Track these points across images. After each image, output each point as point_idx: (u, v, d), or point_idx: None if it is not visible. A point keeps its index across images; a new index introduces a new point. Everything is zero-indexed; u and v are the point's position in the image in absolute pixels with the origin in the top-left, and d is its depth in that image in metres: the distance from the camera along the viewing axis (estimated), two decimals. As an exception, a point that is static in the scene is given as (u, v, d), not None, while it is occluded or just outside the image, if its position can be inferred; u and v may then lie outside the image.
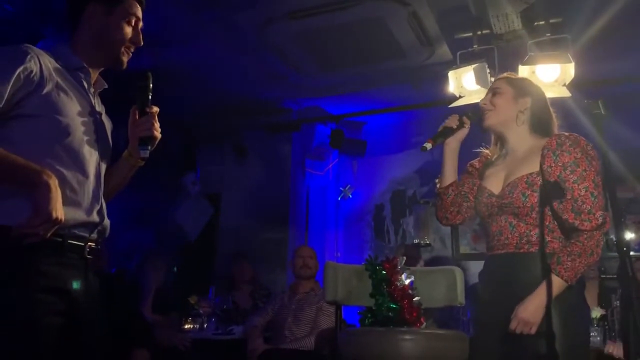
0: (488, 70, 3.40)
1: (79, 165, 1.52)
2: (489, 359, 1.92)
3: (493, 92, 2.01)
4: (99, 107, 1.68)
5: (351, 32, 3.55)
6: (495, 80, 2.10)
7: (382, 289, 2.65)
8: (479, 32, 3.51)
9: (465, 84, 3.52)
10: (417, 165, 5.25)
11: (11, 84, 1.41)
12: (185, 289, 4.24)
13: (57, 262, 1.45)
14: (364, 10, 3.20)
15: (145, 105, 1.63)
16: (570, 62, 3.29)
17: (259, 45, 3.82)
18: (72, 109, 1.53)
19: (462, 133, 2.03)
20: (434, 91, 4.00)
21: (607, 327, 3.16)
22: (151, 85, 1.64)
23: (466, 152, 2.14)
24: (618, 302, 3.16)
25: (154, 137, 1.62)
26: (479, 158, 2.13)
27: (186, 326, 3.70)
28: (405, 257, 2.72)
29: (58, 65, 1.54)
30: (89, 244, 1.53)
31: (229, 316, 3.83)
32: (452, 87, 3.58)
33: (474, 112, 2.02)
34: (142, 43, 1.66)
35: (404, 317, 2.60)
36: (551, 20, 3.39)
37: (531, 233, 1.86)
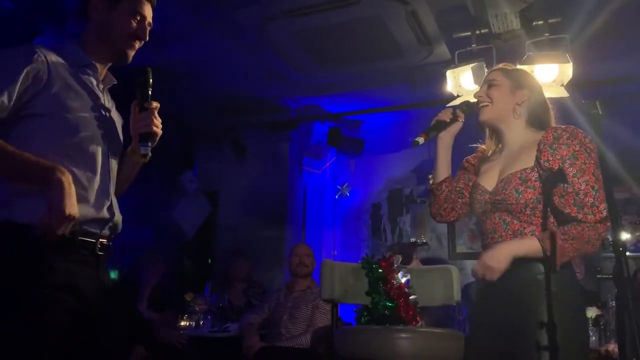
0: (486, 70, 3.40)
1: (88, 162, 1.53)
2: (484, 358, 1.90)
3: (489, 84, 1.94)
4: (109, 103, 1.67)
5: (350, 31, 3.55)
6: (490, 72, 2.01)
7: (378, 287, 2.65)
8: (478, 32, 3.51)
9: (463, 83, 3.52)
10: (415, 164, 5.25)
11: (19, 84, 1.43)
12: (182, 287, 4.24)
13: (68, 259, 1.46)
14: (363, 9, 3.20)
15: (144, 101, 1.61)
16: (569, 62, 3.30)
17: (258, 43, 3.82)
18: (80, 107, 1.53)
19: (456, 127, 1.96)
20: (432, 90, 4.00)
21: (602, 327, 3.17)
22: (151, 81, 1.63)
23: (461, 147, 2.09)
24: (614, 302, 3.17)
25: (154, 134, 1.61)
26: (475, 154, 2.09)
27: (182, 323, 3.70)
28: (401, 256, 2.72)
29: (66, 63, 1.54)
30: (101, 240, 1.54)
31: (225, 314, 3.83)
32: (450, 87, 3.58)
33: (468, 105, 1.96)
34: (146, 38, 1.65)
35: (400, 316, 2.60)
36: (550, 20, 3.40)
37: (525, 230, 1.82)
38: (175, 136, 5.15)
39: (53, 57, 1.52)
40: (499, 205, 1.86)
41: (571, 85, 3.42)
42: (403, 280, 2.68)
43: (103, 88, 1.66)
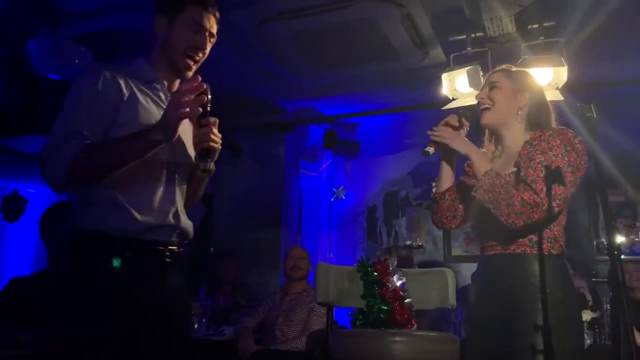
0: (481, 73, 3.40)
1: (152, 171, 1.59)
2: None
3: (490, 86, 1.93)
4: None
5: (345, 33, 3.54)
6: (492, 73, 1.99)
7: (373, 290, 2.64)
8: (473, 35, 3.51)
9: (458, 86, 3.53)
10: (410, 167, 5.25)
11: (98, 115, 1.53)
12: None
13: (136, 265, 1.50)
14: (358, 11, 3.20)
15: (203, 117, 1.61)
16: (564, 65, 3.31)
17: (254, 44, 3.81)
18: (146, 119, 1.58)
19: (462, 134, 1.92)
20: (427, 93, 4.00)
21: (597, 330, 3.17)
22: (209, 96, 1.62)
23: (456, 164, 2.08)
24: (608, 305, 3.17)
25: (213, 149, 1.61)
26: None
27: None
28: (397, 259, 2.72)
29: (134, 78, 1.62)
30: (170, 247, 1.58)
31: (219, 317, 3.81)
32: (445, 90, 3.58)
33: (470, 110, 1.95)
34: (205, 48, 1.68)
35: (395, 319, 2.60)
36: (544, 24, 3.40)
37: (517, 234, 1.81)
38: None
39: (120, 74, 1.59)
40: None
41: (566, 89, 3.43)
42: (398, 283, 2.68)
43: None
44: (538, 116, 1.90)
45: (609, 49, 3.67)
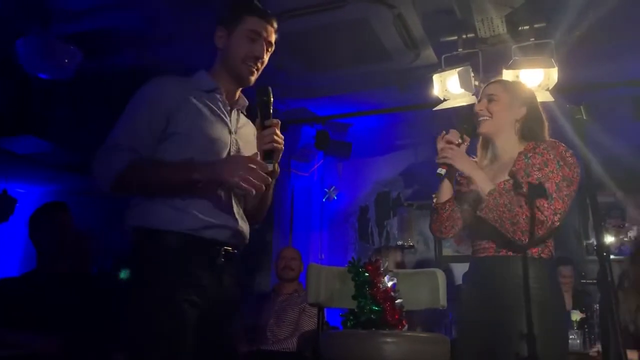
0: (472, 74, 3.42)
1: None
2: None
3: (489, 98, 1.99)
4: (237, 123, 1.78)
5: (337, 34, 3.54)
6: (490, 85, 2.06)
7: (364, 291, 2.64)
8: (464, 36, 3.53)
9: (449, 87, 3.54)
10: (402, 168, 5.27)
11: (152, 121, 1.60)
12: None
13: (195, 264, 1.57)
14: (350, 12, 3.19)
15: (266, 118, 1.68)
16: (554, 67, 3.33)
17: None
18: (202, 127, 1.65)
19: (463, 149, 2.00)
20: (419, 94, 4.01)
21: (586, 330, 3.19)
22: (272, 99, 1.71)
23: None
24: (597, 305, 3.20)
25: (277, 150, 1.68)
26: None
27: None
28: (387, 261, 2.72)
29: (194, 89, 1.69)
30: (225, 248, 1.65)
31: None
32: (436, 91, 3.59)
33: (469, 122, 2.01)
34: (263, 56, 1.74)
35: (386, 320, 2.59)
36: (535, 25, 3.42)
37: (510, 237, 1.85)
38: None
39: (177, 86, 1.67)
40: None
41: (556, 90, 3.45)
42: (389, 284, 2.68)
43: (231, 110, 1.76)
44: (533, 128, 1.97)
45: (598, 50, 3.69)
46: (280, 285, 3.78)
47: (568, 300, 3.50)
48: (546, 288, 1.84)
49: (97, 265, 4.11)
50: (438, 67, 3.61)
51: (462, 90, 3.48)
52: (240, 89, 1.80)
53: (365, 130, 5.39)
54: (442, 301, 2.63)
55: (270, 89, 1.71)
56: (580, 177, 1.82)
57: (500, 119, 1.97)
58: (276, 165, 1.73)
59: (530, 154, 1.85)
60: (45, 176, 5.61)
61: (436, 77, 3.56)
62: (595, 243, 1.57)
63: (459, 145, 1.96)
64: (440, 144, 1.97)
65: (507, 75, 3.38)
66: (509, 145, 1.98)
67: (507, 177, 1.85)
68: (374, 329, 2.55)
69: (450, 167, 1.96)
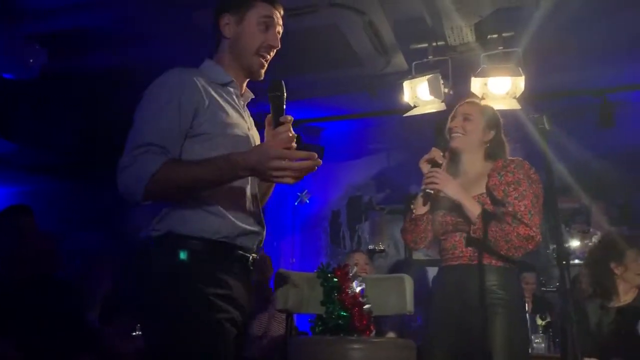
0: (442, 82, 3.46)
1: (243, 180, 1.54)
2: None
3: (465, 117, 2.15)
4: (248, 119, 1.68)
5: (309, 39, 3.54)
6: (465, 105, 2.22)
7: (332, 296, 2.64)
8: (434, 44, 3.57)
9: (419, 94, 3.58)
10: (374, 172, 5.29)
11: (181, 115, 1.46)
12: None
13: (226, 271, 1.49)
14: (321, 18, 3.20)
15: (280, 114, 1.57)
16: (521, 75, 3.39)
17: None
18: (229, 124, 1.54)
19: (444, 165, 2.15)
20: (390, 99, 4.04)
21: (551, 334, 3.25)
22: (285, 93, 1.59)
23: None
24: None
25: (292, 147, 1.55)
26: None
27: (134, 333, 3.60)
28: (356, 266, 2.73)
29: (210, 82, 1.55)
30: (253, 255, 1.57)
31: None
32: (406, 97, 3.63)
33: (444, 140, 2.17)
34: (278, 45, 1.62)
35: (354, 325, 2.60)
36: (503, 34, 3.49)
37: (484, 248, 2.00)
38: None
39: (199, 78, 1.52)
40: (460, 226, 2.06)
41: (524, 98, 3.51)
42: (358, 289, 2.68)
43: (243, 104, 1.66)
44: (496, 151, 2.16)
45: (565, 59, 3.78)
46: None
47: (529, 305, 3.58)
48: (514, 295, 2.00)
49: (63, 268, 4.02)
50: (408, 74, 3.65)
51: (432, 97, 3.52)
52: (247, 81, 1.67)
53: (338, 135, 5.40)
54: (409, 307, 2.64)
55: (283, 82, 1.59)
56: (542, 188, 1.99)
57: (472, 137, 2.14)
58: None
59: (503, 172, 2.02)
60: (10, 177, 5.48)
61: (406, 84, 3.59)
62: (555, 253, 1.62)
63: (441, 163, 2.10)
64: (425, 168, 2.10)
65: (476, 83, 3.43)
66: (474, 163, 2.16)
67: (480, 192, 2.03)
68: (341, 335, 2.56)
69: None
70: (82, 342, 3.19)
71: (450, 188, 2.01)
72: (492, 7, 3.22)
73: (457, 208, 2.04)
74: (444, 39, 3.49)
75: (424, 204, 2.16)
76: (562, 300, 1.53)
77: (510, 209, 1.96)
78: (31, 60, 3.32)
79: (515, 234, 1.91)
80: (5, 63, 3.43)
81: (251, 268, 1.57)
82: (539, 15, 3.22)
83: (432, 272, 4.58)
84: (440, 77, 3.46)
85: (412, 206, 2.22)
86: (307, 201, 5.46)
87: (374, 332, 2.65)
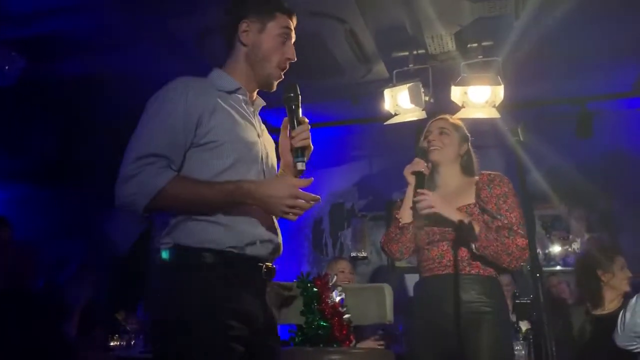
0: (422, 90, 3.47)
1: None
2: None
3: (440, 131, 2.25)
4: (259, 126, 1.67)
5: (289, 47, 3.54)
6: (439, 120, 2.31)
7: (312, 306, 2.63)
8: (415, 52, 3.59)
9: (400, 102, 3.59)
10: (356, 179, 5.29)
11: (182, 126, 1.45)
12: (114, 304, 4.07)
13: (237, 283, 1.46)
14: (301, 27, 3.17)
15: (297, 115, 1.59)
16: (500, 84, 3.41)
17: (196, 54, 3.75)
18: (235, 131, 1.53)
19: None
20: (372, 107, 4.05)
21: (532, 340, 3.27)
22: (299, 95, 1.62)
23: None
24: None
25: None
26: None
27: (112, 343, 3.55)
28: (342, 274, 2.72)
29: (216, 90, 1.55)
30: (267, 263, 1.55)
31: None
32: (387, 105, 3.64)
33: (423, 152, 2.24)
34: (295, 58, 1.64)
35: (334, 335, 2.59)
36: (483, 43, 3.51)
37: (471, 257, 2.08)
38: (111, 147, 4.98)
39: (200, 88, 1.52)
40: (448, 235, 2.10)
41: (503, 107, 3.54)
42: (337, 299, 2.67)
43: (253, 111, 1.65)
44: (469, 163, 2.28)
45: (543, 69, 3.82)
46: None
47: (511, 310, 3.60)
48: (500, 304, 2.07)
49: (41, 278, 3.96)
50: (389, 82, 3.66)
51: (413, 105, 3.53)
52: (258, 89, 1.68)
53: (320, 142, 5.32)
54: (389, 316, 2.64)
55: (297, 85, 1.62)
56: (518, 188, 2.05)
57: (449, 150, 2.23)
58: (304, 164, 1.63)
59: (491, 185, 2.12)
60: (-14, 185, 5.38)
61: (387, 92, 3.60)
62: (529, 266, 1.63)
63: (425, 172, 2.17)
64: (411, 178, 2.17)
65: (456, 91, 3.45)
66: (453, 176, 2.24)
67: (467, 202, 2.12)
68: (321, 345, 2.54)
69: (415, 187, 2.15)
70: (58, 355, 3.13)
71: (446, 209, 2.06)
72: (472, 16, 3.24)
73: (443, 220, 2.08)
74: (424, 47, 3.51)
75: (407, 210, 2.20)
76: (537, 312, 1.54)
77: (505, 221, 2.05)
78: (7, 67, 3.26)
79: (514, 245, 1.99)
80: (-20, 70, 3.37)
81: (265, 278, 1.54)
82: (518, 25, 3.25)
83: (413, 278, 4.59)
84: (420, 85, 3.48)
85: (397, 215, 2.23)
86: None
87: (354, 342, 2.64)
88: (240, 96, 1.61)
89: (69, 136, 4.59)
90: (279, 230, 1.62)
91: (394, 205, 2.40)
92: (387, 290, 2.66)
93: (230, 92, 1.58)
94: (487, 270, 2.08)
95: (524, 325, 3.28)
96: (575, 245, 4.64)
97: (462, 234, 2.04)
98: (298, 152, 1.58)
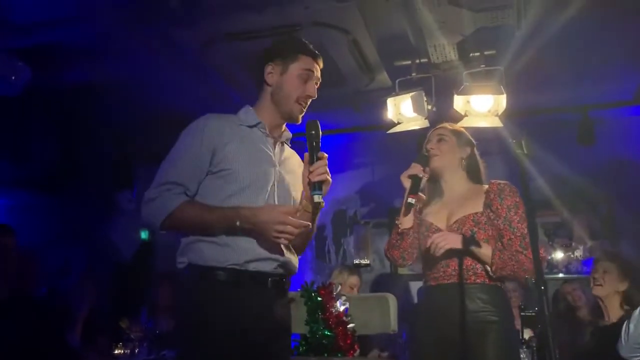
0: (425, 99, 3.49)
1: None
2: None
3: (439, 138, 2.25)
4: (281, 156, 1.86)
5: (293, 56, 3.55)
6: (438, 128, 2.32)
7: (316, 316, 2.64)
8: (417, 61, 3.60)
9: (403, 111, 3.60)
10: (358, 186, 5.30)
11: (199, 157, 1.69)
12: (118, 312, 4.08)
13: (246, 296, 1.65)
14: (305, 37, 3.19)
15: (317, 151, 1.77)
16: (503, 93, 3.43)
17: (199, 63, 3.77)
18: (246, 160, 1.73)
19: (424, 181, 2.22)
20: (374, 115, 4.06)
21: (535, 348, 3.27)
22: (320, 132, 1.81)
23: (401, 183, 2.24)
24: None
25: (327, 182, 1.74)
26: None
27: (116, 352, 3.55)
28: (340, 285, 2.73)
29: (238, 125, 1.78)
30: (271, 278, 1.71)
31: (161, 340, 3.69)
32: (390, 114, 3.65)
33: (423, 159, 2.23)
34: (315, 95, 1.83)
35: (338, 345, 2.60)
36: (485, 52, 3.52)
37: (476, 266, 2.06)
38: (113, 154, 5.00)
39: (223, 123, 1.76)
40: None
41: (506, 115, 3.55)
42: (341, 308, 2.68)
43: (274, 142, 1.85)
44: (475, 169, 2.26)
45: (546, 77, 3.83)
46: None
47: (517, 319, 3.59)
48: (505, 313, 2.06)
49: (44, 286, 3.96)
50: (392, 91, 3.67)
51: (415, 114, 3.55)
52: (285, 123, 1.87)
53: (323, 149, 5.39)
54: (393, 325, 2.65)
55: (318, 122, 1.81)
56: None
57: (449, 156, 2.22)
58: (321, 197, 1.77)
59: (502, 195, 2.11)
60: (-10, 192, 5.39)
61: (390, 101, 3.61)
62: (533, 279, 1.63)
63: (422, 177, 2.17)
64: (407, 182, 2.16)
65: (458, 100, 3.47)
66: (456, 182, 2.23)
67: (474, 211, 2.10)
68: (325, 355, 2.55)
69: (413, 190, 2.16)
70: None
71: (456, 242, 2.04)
72: (474, 26, 3.25)
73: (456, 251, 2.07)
74: (427, 56, 3.52)
75: (405, 214, 2.19)
76: (541, 325, 1.54)
77: (518, 233, 2.04)
78: (13, 77, 3.28)
79: (528, 260, 1.97)
80: (-14, 80, 3.38)
81: (272, 290, 1.72)
82: (520, 34, 3.27)
83: (417, 286, 4.59)
84: (423, 94, 3.49)
85: (397, 221, 2.23)
86: (292, 215, 5.44)
87: (358, 352, 2.65)
88: (261, 131, 1.80)
89: (72, 144, 4.61)
90: (288, 249, 1.76)
91: (397, 212, 2.41)
92: (391, 300, 2.67)
93: (251, 127, 1.79)
94: (492, 279, 2.07)
95: (527, 334, 3.29)
96: (578, 252, 4.64)
97: (474, 257, 2.05)
98: (315, 186, 1.72)
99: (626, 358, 2.40)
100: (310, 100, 1.84)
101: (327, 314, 2.65)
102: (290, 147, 1.95)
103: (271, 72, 1.80)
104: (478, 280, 2.05)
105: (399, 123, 3.66)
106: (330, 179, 1.76)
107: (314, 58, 1.84)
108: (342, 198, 5.36)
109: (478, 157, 2.29)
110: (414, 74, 3.59)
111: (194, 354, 1.64)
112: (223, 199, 1.69)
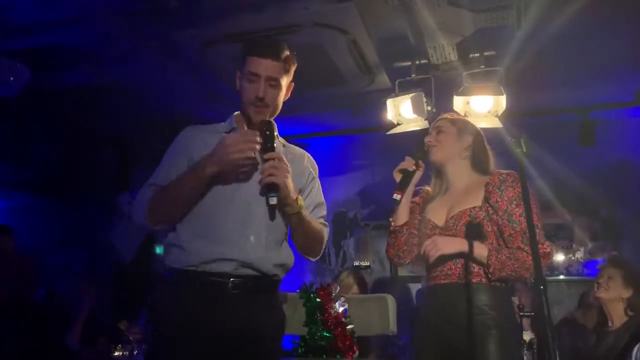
0: (425, 100, 3.48)
1: (219, 208, 1.73)
2: None
3: (437, 130, 2.16)
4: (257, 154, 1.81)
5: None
6: (438, 120, 2.23)
7: (315, 317, 2.62)
8: (417, 62, 3.59)
9: (403, 112, 3.60)
10: (358, 188, 5.29)
11: (175, 168, 1.76)
12: (117, 314, 4.07)
13: (202, 298, 1.67)
14: (304, 37, 3.20)
15: (267, 152, 1.73)
16: (502, 94, 3.42)
17: (199, 64, 3.77)
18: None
19: (418, 175, 2.12)
20: (374, 116, 4.05)
21: (535, 350, 3.26)
22: (275, 133, 1.80)
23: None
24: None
25: (275, 184, 1.67)
26: (419, 195, 2.24)
27: (115, 354, 3.53)
28: (339, 287, 2.72)
29: (215, 132, 1.83)
30: (233, 280, 1.69)
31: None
32: (390, 115, 3.64)
33: (421, 151, 2.14)
34: (262, 94, 1.78)
35: (337, 346, 2.58)
36: (485, 53, 3.52)
37: (472, 265, 1.96)
38: (113, 157, 5.00)
39: (202, 132, 1.86)
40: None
41: (506, 116, 3.55)
42: (340, 309, 2.67)
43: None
44: (481, 158, 2.13)
45: (546, 78, 3.82)
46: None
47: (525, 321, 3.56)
48: (506, 314, 1.98)
49: (43, 288, 3.96)
50: (392, 92, 3.66)
51: (415, 115, 3.54)
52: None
53: (322, 151, 5.39)
54: (392, 327, 2.62)
55: (273, 122, 1.81)
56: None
57: (447, 147, 2.11)
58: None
59: (503, 187, 1.97)
60: (-10, 194, 5.39)
61: (390, 102, 3.61)
62: (532, 279, 1.61)
63: (414, 172, 2.08)
64: (398, 177, 2.09)
65: (458, 101, 3.46)
66: (461, 174, 2.12)
67: (473, 205, 1.99)
68: (324, 356, 2.54)
69: (405, 186, 2.09)
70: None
71: (449, 246, 1.96)
72: (474, 26, 3.25)
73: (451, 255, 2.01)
74: (426, 57, 3.51)
75: (395, 211, 2.13)
76: (540, 327, 1.52)
77: (518, 228, 1.93)
78: (12, 79, 3.28)
79: (529, 258, 1.84)
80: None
81: (234, 292, 1.69)
82: (520, 35, 3.26)
83: (416, 288, 4.59)
84: (423, 95, 3.48)
85: (390, 219, 2.19)
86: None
87: (357, 353, 2.63)
88: (234, 133, 1.82)
89: (72, 146, 4.61)
90: (263, 247, 1.73)
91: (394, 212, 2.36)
92: (390, 301, 2.65)
93: (228, 132, 1.83)
94: (491, 280, 1.98)
95: (527, 336, 3.27)
96: (579, 254, 4.63)
97: (473, 259, 1.96)
98: (266, 188, 1.70)
99: None
100: (265, 101, 1.79)
101: (326, 315, 2.63)
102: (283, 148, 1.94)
103: (237, 79, 1.86)
104: (474, 280, 1.96)
105: (398, 124, 3.66)
106: (282, 180, 1.68)
107: (262, 56, 1.77)
108: (342, 200, 5.35)
109: (485, 145, 2.16)
110: (413, 75, 3.59)
111: (149, 355, 1.80)
112: (198, 198, 1.76)
